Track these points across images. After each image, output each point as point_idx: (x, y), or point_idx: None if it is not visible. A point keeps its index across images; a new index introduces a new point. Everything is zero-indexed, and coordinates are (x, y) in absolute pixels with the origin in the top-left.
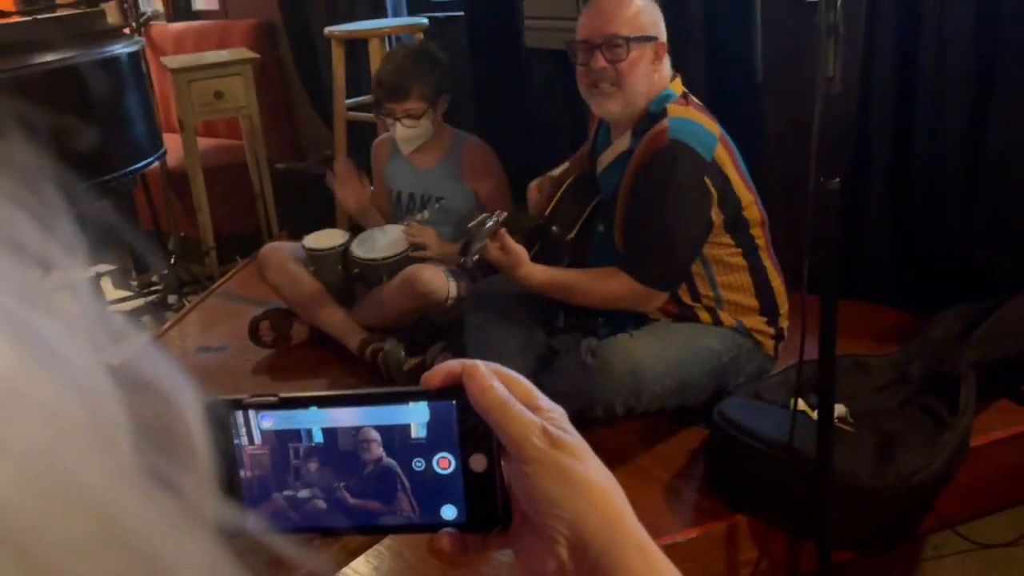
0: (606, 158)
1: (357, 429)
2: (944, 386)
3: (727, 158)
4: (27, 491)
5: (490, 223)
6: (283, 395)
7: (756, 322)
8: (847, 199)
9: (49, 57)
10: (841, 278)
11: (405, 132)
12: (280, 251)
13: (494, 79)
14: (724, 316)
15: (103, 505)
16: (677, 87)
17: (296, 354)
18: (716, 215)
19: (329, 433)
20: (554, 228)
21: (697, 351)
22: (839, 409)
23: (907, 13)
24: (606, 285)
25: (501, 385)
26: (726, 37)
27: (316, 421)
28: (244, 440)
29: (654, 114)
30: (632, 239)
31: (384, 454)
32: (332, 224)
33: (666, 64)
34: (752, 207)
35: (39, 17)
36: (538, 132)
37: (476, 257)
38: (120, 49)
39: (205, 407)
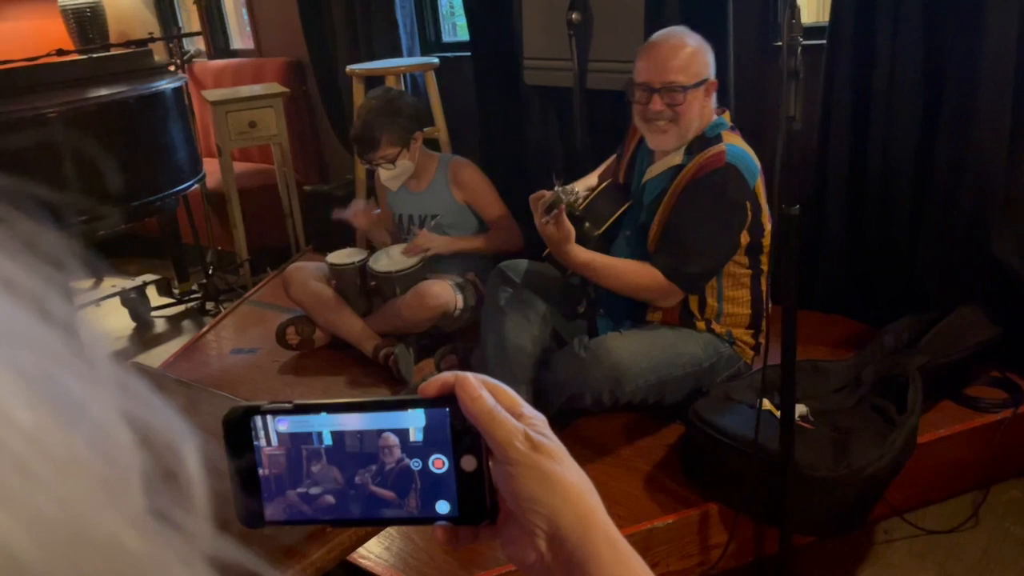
0: (656, 169)
1: (362, 433)
2: (894, 388)
3: (761, 190)
4: (42, 543)
5: (570, 195)
6: (297, 402)
7: (743, 333)
8: (808, 221)
9: (102, 92)
10: (802, 291)
11: (387, 174)
12: (302, 271)
13: (497, 112)
14: (718, 328)
15: (114, 549)
16: (727, 118)
17: (318, 356)
18: (744, 237)
19: (338, 436)
20: (587, 223)
21: (679, 355)
22: (800, 408)
23: (863, 59)
24: (637, 273)
25: (489, 395)
26: None
27: (326, 425)
28: (263, 442)
29: (709, 138)
30: (670, 240)
31: (397, 456)
32: (352, 240)
33: (713, 96)
34: (768, 236)
35: (94, 56)
36: (534, 159)
37: (555, 214)
38: (165, 85)
39: (227, 414)
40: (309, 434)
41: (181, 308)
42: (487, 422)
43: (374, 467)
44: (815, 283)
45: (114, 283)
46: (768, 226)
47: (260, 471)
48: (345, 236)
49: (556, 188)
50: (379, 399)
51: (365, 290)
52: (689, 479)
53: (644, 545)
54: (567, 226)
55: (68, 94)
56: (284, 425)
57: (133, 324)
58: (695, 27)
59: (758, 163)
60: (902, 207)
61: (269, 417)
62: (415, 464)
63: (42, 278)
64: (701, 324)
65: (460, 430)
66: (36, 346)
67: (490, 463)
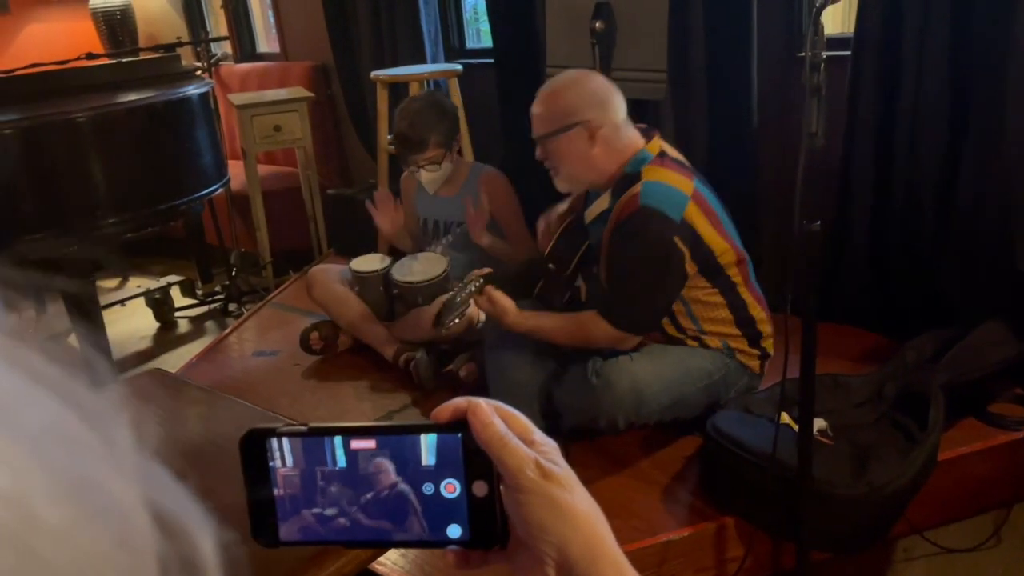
0: (591, 212)
1: (375, 456)
2: (915, 405)
3: (698, 214)
4: None
5: (463, 295)
6: (312, 425)
7: (740, 344)
8: (832, 232)
9: (131, 96)
10: (824, 304)
11: (429, 176)
12: (325, 273)
13: (519, 119)
14: (710, 340)
15: None
16: (653, 147)
17: (339, 360)
18: (690, 266)
19: (351, 459)
20: (551, 266)
21: (690, 371)
22: (819, 423)
23: (889, 71)
24: (585, 329)
25: (501, 421)
26: (725, 88)
27: (341, 448)
28: (278, 463)
29: (630, 175)
30: (610, 291)
31: (398, 480)
32: (373, 243)
33: (621, 132)
34: (727, 252)
35: (123, 61)
36: None
37: (451, 325)
38: (192, 90)
39: (244, 436)
40: (324, 456)
41: (204, 309)
42: (498, 449)
43: (387, 490)
44: (836, 294)
45: (139, 283)
46: (721, 244)
47: (275, 491)
48: (367, 240)
49: (445, 298)
50: (393, 424)
51: (388, 297)
52: (706, 492)
53: (660, 558)
54: (500, 301)
55: (97, 98)
56: (299, 447)
57: (157, 324)
58: (718, 37)
59: (688, 188)
60: (926, 220)
61: (285, 439)
62: (427, 488)
63: (66, 366)
64: (692, 342)
65: (472, 455)
66: (64, 439)
67: (501, 488)
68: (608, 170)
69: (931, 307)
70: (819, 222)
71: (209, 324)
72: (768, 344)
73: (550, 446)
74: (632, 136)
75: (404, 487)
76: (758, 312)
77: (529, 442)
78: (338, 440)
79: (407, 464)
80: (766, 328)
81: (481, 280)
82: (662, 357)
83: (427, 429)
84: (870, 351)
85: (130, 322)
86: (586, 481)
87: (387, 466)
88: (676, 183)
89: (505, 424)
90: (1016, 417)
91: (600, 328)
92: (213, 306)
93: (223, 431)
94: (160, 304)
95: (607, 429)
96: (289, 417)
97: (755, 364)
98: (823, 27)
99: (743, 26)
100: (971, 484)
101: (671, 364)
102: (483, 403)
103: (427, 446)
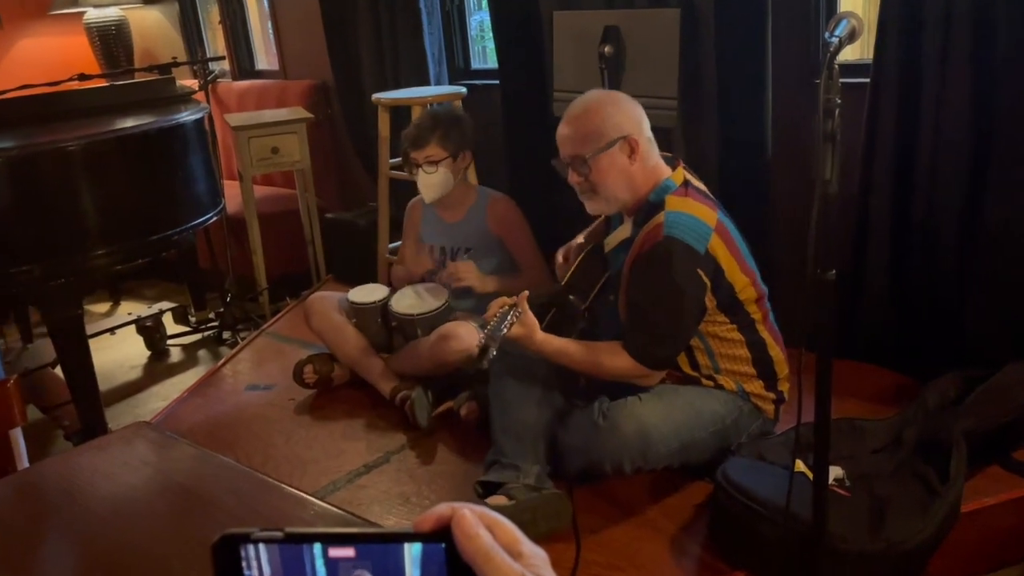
0: (612, 240)
1: (356, 567)
2: (936, 452)
3: (721, 247)
4: None
5: (504, 327)
6: (288, 530)
7: (756, 387)
8: (850, 267)
9: (123, 123)
10: (841, 339)
11: (426, 178)
12: (324, 301)
13: (524, 142)
14: (724, 381)
15: None
16: (678, 176)
17: (335, 396)
18: (709, 300)
19: (331, 570)
20: (571, 297)
21: (701, 413)
22: (835, 471)
23: (908, 102)
24: (609, 361)
25: (487, 532)
26: (738, 115)
27: (320, 558)
28: (254, 572)
29: (654, 204)
30: (631, 323)
31: None
32: (373, 269)
33: (651, 152)
34: (747, 288)
35: (116, 84)
36: (563, 192)
37: (492, 357)
38: (187, 116)
39: (216, 541)
40: (302, 566)
41: (197, 337)
42: (483, 563)
43: None
44: (853, 330)
45: (130, 309)
46: (742, 279)
47: None
48: (367, 266)
49: (486, 329)
50: (374, 531)
51: (387, 329)
52: (716, 544)
53: None
54: (530, 320)
55: (88, 125)
56: (276, 555)
57: (148, 353)
58: (732, 62)
59: (712, 219)
60: (948, 257)
61: (261, 545)
62: None
63: None
64: (707, 382)
65: (457, 567)
66: None
67: None
68: (644, 187)
69: (954, 345)
70: (834, 271)
71: (202, 353)
72: (784, 388)
73: (539, 558)
74: (653, 162)
75: None
76: (776, 352)
77: (516, 554)
78: (317, 548)
79: (389, 574)
80: (783, 370)
81: (519, 311)
82: (672, 399)
83: (410, 538)
84: (889, 391)
85: (120, 350)
86: (590, 529)
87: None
88: (700, 214)
89: (492, 534)
90: None
91: (621, 360)
92: (207, 334)
93: (209, 492)
94: (152, 332)
95: (613, 473)
96: (277, 479)
97: (770, 408)
98: (838, 70)
99: (757, 50)
100: (996, 537)
101: (681, 407)
102: (467, 512)
103: (411, 558)
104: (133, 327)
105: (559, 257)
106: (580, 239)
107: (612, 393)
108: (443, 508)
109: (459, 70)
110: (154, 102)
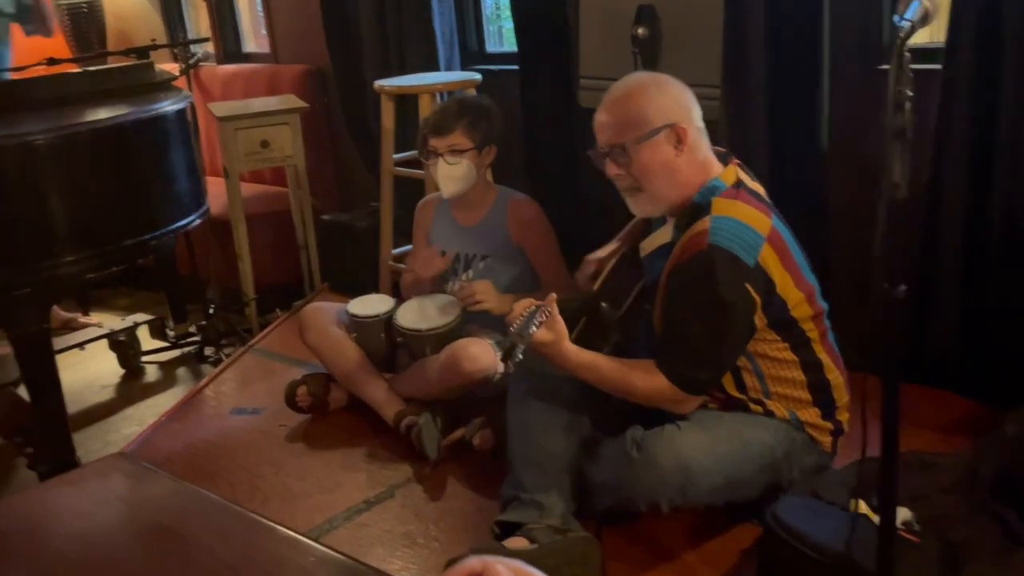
0: (649, 244)
1: None
2: (1018, 491)
3: (774, 259)
4: None
5: (533, 325)
6: None
7: (811, 415)
8: (920, 283)
9: (97, 114)
10: (908, 362)
11: (448, 170)
12: (320, 313)
13: (545, 134)
14: (775, 407)
15: None
16: (729, 175)
17: (333, 421)
18: (759, 319)
19: None
20: (603, 305)
21: (748, 445)
22: (903, 513)
23: (984, 106)
24: (642, 381)
25: None
26: (789, 105)
27: None
28: None
29: (699, 206)
30: (668, 341)
31: None
32: (375, 278)
33: (701, 144)
34: (802, 304)
35: (89, 70)
36: (587, 188)
37: (519, 360)
38: (167, 106)
39: None
40: None
41: (176, 353)
42: None
43: None
44: (923, 353)
45: (101, 320)
46: (796, 295)
47: None
48: (367, 274)
49: (512, 328)
50: None
51: (391, 345)
52: None
53: None
54: (559, 325)
55: (57, 116)
56: None
57: (121, 371)
58: (783, 45)
59: (764, 227)
60: None
61: None
62: None
63: None
64: (756, 407)
65: None
66: None
67: None
68: (692, 184)
69: None
70: (904, 287)
71: (182, 371)
72: (844, 417)
73: None
74: (704, 156)
75: None
76: (835, 376)
77: None
78: None
79: None
80: (842, 397)
81: (549, 310)
82: (716, 428)
83: None
84: (961, 420)
85: (90, 367)
86: None
87: None
88: (751, 220)
89: None
90: None
91: (657, 382)
92: (187, 350)
93: (191, 532)
94: (125, 348)
95: (648, 512)
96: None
97: (826, 440)
98: (908, 58)
99: (812, 32)
100: None
101: (726, 437)
102: (502, 569)
103: None
104: (104, 342)
105: (589, 267)
106: (613, 246)
107: (647, 420)
108: (474, 563)
109: (472, 54)
110: (130, 90)
